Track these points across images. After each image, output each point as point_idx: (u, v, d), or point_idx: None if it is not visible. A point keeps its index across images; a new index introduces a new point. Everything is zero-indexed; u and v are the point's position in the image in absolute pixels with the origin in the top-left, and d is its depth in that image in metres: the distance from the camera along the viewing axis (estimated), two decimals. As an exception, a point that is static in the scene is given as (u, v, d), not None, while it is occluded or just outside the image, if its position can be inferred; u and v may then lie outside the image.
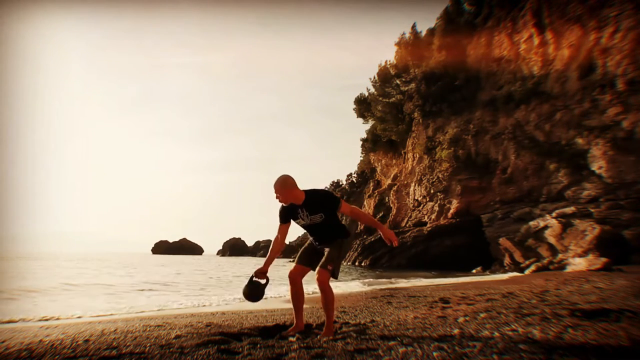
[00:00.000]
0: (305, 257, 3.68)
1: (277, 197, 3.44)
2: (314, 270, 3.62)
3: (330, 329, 3.49)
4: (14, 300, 8.74)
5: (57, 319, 6.29)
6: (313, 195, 3.46)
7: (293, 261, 3.86)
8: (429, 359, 2.55)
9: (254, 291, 3.54)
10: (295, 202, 3.46)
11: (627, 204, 17.76)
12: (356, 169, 46.90)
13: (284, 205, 3.51)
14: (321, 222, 3.49)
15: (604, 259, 13.32)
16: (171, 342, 3.20)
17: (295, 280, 3.67)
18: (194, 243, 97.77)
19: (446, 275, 16.70)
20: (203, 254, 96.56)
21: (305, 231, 3.71)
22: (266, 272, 3.56)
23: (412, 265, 24.14)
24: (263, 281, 3.56)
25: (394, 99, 34.87)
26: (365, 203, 38.88)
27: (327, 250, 3.56)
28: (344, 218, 42.90)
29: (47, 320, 6.18)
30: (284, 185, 3.40)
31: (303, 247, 3.77)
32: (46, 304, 8.16)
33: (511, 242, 20.81)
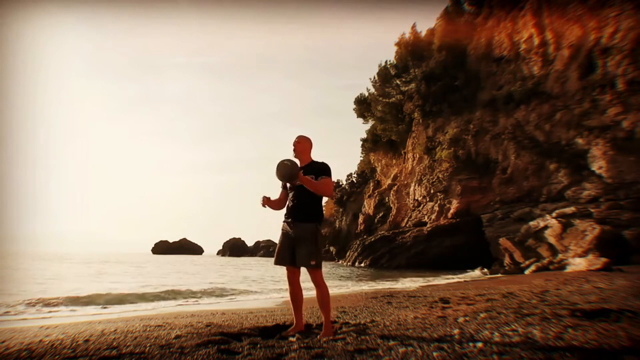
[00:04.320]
0: (282, 257, 3.64)
1: (294, 147, 3.74)
2: (295, 265, 3.62)
3: (329, 328, 3.49)
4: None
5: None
6: (315, 162, 3.74)
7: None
8: (429, 359, 2.55)
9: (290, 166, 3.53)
10: (301, 163, 3.73)
11: (627, 204, 17.75)
12: (356, 169, 46.81)
13: None
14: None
15: (604, 259, 13.31)
16: (171, 342, 3.20)
17: (292, 281, 3.68)
18: (194, 243, 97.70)
19: (439, 275, 16.69)
20: (203, 254, 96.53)
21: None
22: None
23: (412, 265, 24.14)
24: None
25: (394, 99, 34.84)
26: (365, 203, 38.86)
27: (301, 244, 3.53)
28: (344, 218, 42.87)
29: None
30: (306, 140, 3.78)
31: (277, 246, 3.72)
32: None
33: (511, 242, 20.80)
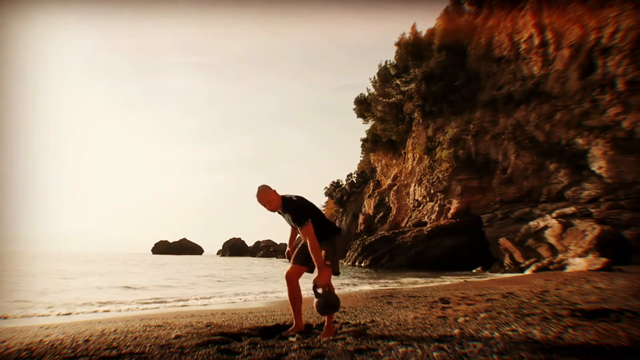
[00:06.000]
0: (301, 257, 3.68)
1: (267, 207, 3.55)
2: (310, 269, 3.66)
3: (330, 328, 3.50)
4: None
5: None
6: (286, 204, 3.58)
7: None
8: (429, 359, 2.55)
9: (328, 300, 3.41)
10: (278, 209, 3.60)
11: (627, 204, 17.74)
12: (356, 169, 46.72)
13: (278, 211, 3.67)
14: None
15: (604, 259, 13.31)
16: (171, 342, 3.20)
17: (291, 280, 3.68)
18: (194, 243, 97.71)
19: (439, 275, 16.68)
20: (203, 254, 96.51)
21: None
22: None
23: (412, 265, 24.13)
24: (320, 290, 3.44)
25: (394, 99, 34.81)
26: (365, 203, 38.85)
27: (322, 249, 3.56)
28: (344, 218, 42.87)
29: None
30: (268, 192, 3.54)
31: (298, 247, 3.78)
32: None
33: (511, 242, 20.79)
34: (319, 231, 3.50)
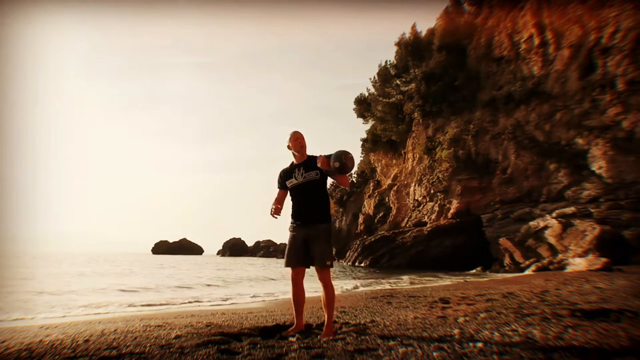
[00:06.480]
0: (296, 257, 3.63)
1: (301, 144, 3.71)
2: (307, 266, 3.65)
3: (330, 328, 3.50)
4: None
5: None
6: (313, 156, 3.72)
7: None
8: (429, 359, 2.55)
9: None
10: (298, 159, 3.72)
11: (627, 204, 17.74)
12: (356, 169, 46.75)
13: (284, 169, 3.78)
14: (314, 182, 3.61)
15: (604, 259, 13.32)
16: (171, 342, 3.20)
17: (296, 282, 3.69)
18: (194, 243, 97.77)
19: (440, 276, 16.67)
20: (203, 254, 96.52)
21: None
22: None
23: (412, 265, 24.13)
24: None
25: (394, 99, 34.79)
26: (365, 203, 38.85)
27: (316, 244, 3.54)
28: (344, 218, 42.85)
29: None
30: (304, 139, 3.76)
31: (288, 248, 3.69)
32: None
33: (511, 242, 20.80)
34: (322, 197, 3.70)
